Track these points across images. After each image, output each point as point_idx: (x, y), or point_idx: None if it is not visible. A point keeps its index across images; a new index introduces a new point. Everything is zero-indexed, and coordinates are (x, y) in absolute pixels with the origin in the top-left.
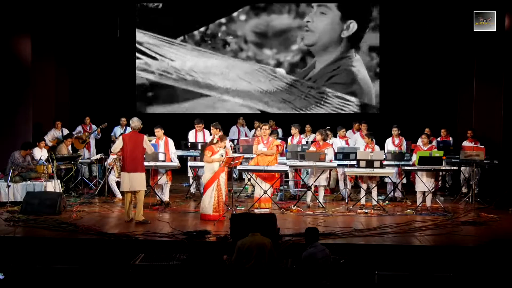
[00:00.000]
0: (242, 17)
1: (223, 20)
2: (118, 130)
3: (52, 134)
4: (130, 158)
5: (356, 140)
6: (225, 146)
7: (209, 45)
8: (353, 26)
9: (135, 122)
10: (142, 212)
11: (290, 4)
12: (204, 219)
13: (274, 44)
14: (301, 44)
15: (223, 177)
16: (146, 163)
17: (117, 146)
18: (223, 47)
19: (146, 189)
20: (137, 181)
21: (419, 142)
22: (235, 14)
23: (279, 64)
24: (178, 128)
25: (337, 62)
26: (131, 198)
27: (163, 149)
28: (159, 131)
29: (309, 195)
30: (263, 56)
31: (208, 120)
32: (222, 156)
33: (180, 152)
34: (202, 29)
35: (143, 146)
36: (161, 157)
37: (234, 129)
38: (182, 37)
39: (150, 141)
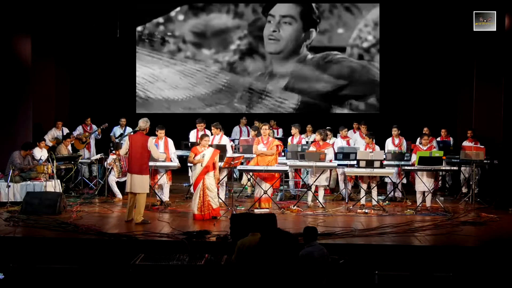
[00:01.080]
0: (180, 17)
1: (160, 19)
2: (117, 130)
3: (52, 134)
4: (134, 159)
5: (356, 140)
6: (209, 146)
7: (146, 45)
8: (312, 35)
9: (140, 123)
10: (141, 215)
11: (229, 4)
12: (194, 218)
13: (213, 44)
14: (238, 43)
15: (211, 176)
16: None
17: (125, 148)
18: (160, 46)
19: (148, 192)
20: (137, 183)
21: (418, 142)
22: (172, 13)
23: (216, 63)
24: (177, 128)
25: (297, 67)
26: (133, 199)
27: (162, 149)
28: (163, 132)
29: (310, 195)
30: (201, 56)
31: (209, 119)
32: (203, 157)
33: (180, 152)
34: (139, 28)
35: (148, 148)
36: (161, 157)
37: (236, 129)
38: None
39: None
